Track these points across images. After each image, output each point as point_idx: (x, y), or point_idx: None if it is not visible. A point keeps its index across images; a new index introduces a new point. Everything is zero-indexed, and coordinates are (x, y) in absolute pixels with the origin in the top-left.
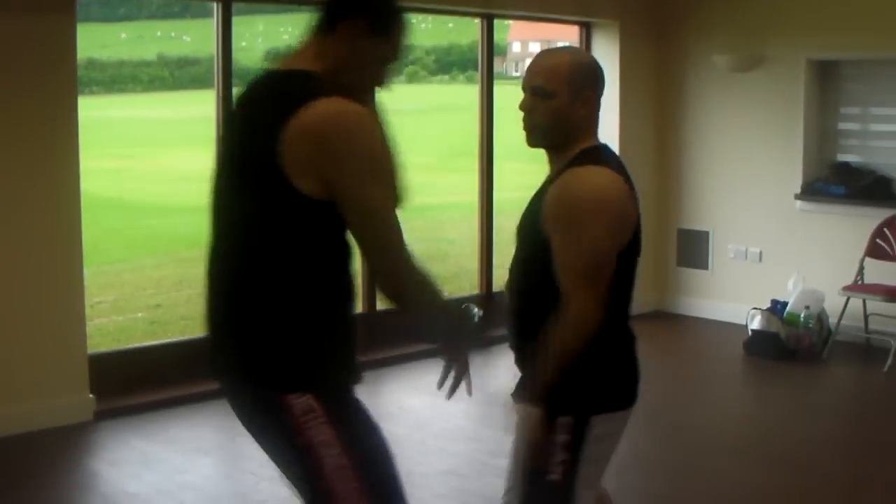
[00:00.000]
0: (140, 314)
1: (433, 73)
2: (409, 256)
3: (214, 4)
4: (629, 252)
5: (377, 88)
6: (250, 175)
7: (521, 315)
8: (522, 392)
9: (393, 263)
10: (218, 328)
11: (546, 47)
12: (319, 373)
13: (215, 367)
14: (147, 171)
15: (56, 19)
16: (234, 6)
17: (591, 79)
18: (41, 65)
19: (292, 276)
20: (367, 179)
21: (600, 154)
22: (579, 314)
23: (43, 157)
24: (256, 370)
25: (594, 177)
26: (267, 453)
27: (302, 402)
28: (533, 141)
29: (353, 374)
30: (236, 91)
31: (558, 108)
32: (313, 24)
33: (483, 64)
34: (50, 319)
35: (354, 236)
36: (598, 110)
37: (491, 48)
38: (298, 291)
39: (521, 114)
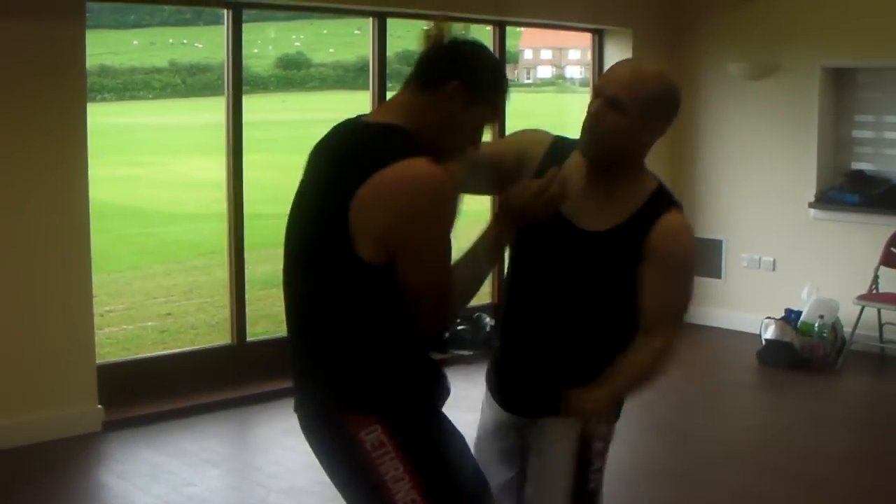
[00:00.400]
0: (150, 323)
1: None
2: (453, 312)
3: (225, 11)
4: None
5: (466, 150)
6: (319, 232)
7: (582, 333)
8: (546, 407)
9: (445, 312)
10: (297, 365)
11: (558, 54)
12: (388, 402)
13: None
14: (158, 178)
15: (66, 25)
16: (245, 13)
17: (670, 110)
18: (51, 70)
19: (353, 331)
20: (430, 247)
21: (673, 196)
22: (671, 353)
23: (52, 163)
24: (327, 400)
25: (690, 231)
26: (339, 489)
27: (373, 437)
28: (589, 150)
29: (433, 397)
30: (246, 97)
31: (627, 127)
32: (410, 77)
33: None
34: (58, 329)
35: (407, 294)
36: (659, 138)
37: (503, 55)
38: (362, 342)
39: (586, 117)
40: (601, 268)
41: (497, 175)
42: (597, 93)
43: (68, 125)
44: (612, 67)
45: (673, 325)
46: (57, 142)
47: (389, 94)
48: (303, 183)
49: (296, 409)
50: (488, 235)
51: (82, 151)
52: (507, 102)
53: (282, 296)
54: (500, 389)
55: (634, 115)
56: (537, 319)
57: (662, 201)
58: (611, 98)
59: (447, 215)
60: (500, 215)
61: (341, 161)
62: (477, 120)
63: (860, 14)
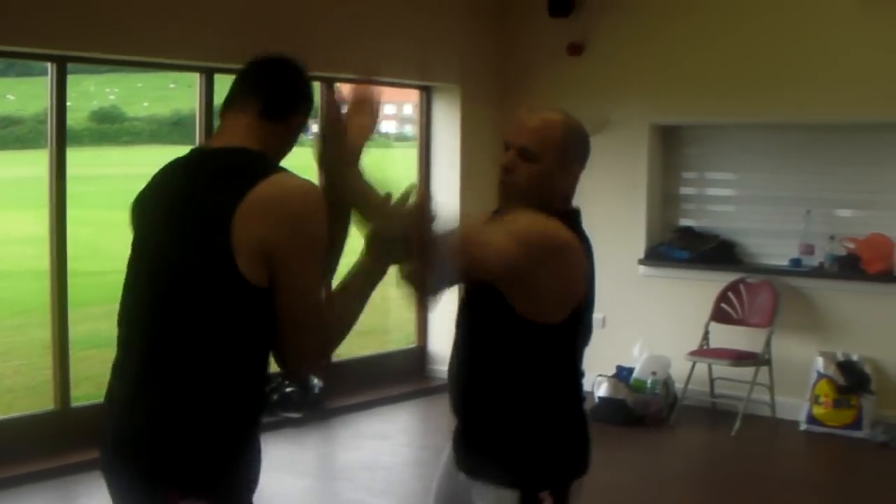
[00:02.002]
0: None
1: None
2: (332, 331)
3: (49, 65)
4: (576, 316)
5: None
6: (197, 259)
7: (479, 383)
8: (478, 468)
9: (322, 345)
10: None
11: (381, 107)
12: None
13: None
14: None
15: None
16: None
17: (582, 152)
18: None
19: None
20: (312, 262)
21: (573, 217)
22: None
23: None
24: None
25: (544, 220)
26: None
27: None
28: (505, 199)
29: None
30: (70, 150)
31: (541, 173)
32: (255, 105)
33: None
34: None
35: (284, 318)
36: (577, 182)
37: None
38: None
39: (499, 170)
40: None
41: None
42: (506, 145)
43: None
44: (517, 117)
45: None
46: None
47: None
48: (146, 227)
49: (109, 470)
50: (361, 270)
51: None
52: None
53: (112, 353)
54: (454, 444)
55: (547, 162)
56: (469, 380)
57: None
58: (521, 148)
59: (325, 231)
60: (372, 248)
61: (208, 185)
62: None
63: (686, 71)
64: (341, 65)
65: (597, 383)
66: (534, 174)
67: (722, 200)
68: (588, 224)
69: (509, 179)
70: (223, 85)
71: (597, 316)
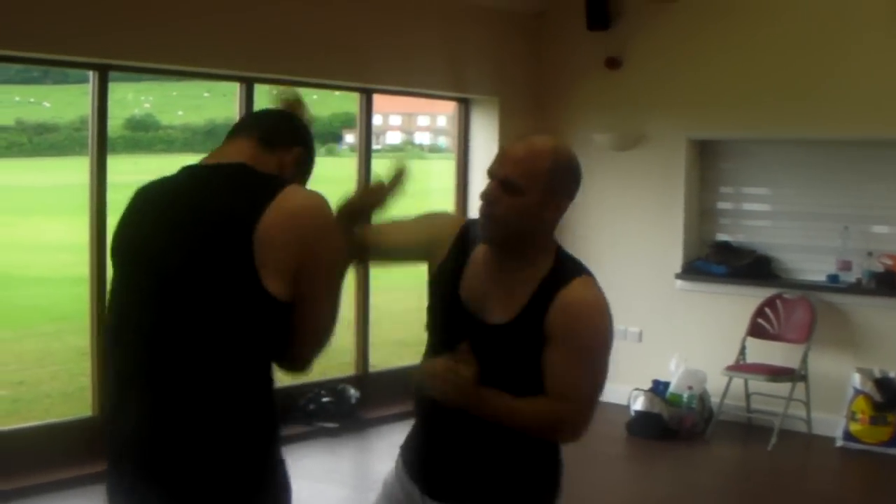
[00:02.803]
0: (2, 392)
1: None
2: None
3: (91, 73)
4: None
5: None
6: (213, 273)
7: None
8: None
9: (321, 347)
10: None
11: (408, 120)
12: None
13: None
14: (2, 239)
15: None
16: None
17: (571, 185)
18: None
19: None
20: (337, 273)
21: (575, 265)
22: (571, 424)
23: None
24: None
25: (596, 303)
26: None
27: None
28: (488, 233)
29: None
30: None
31: (525, 207)
32: (249, 131)
33: (361, 138)
34: None
35: (301, 327)
36: (563, 215)
37: (370, 122)
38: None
39: (481, 200)
40: (505, 362)
41: (400, 257)
42: (490, 174)
43: None
44: (505, 147)
45: (582, 402)
46: None
47: None
48: (144, 233)
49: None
50: None
51: None
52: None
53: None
54: (420, 469)
55: (532, 195)
56: (449, 414)
57: (561, 275)
58: (504, 180)
59: (342, 242)
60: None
61: (221, 197)
62: (301, 178)
63: (724, 86)
64: (380, 77)
65: (633, 397)
66: (517, 208)
67: (758, 215)
68: (625, 238)
69: (490, 212)
70: (262, 94)
71: (633, 330)
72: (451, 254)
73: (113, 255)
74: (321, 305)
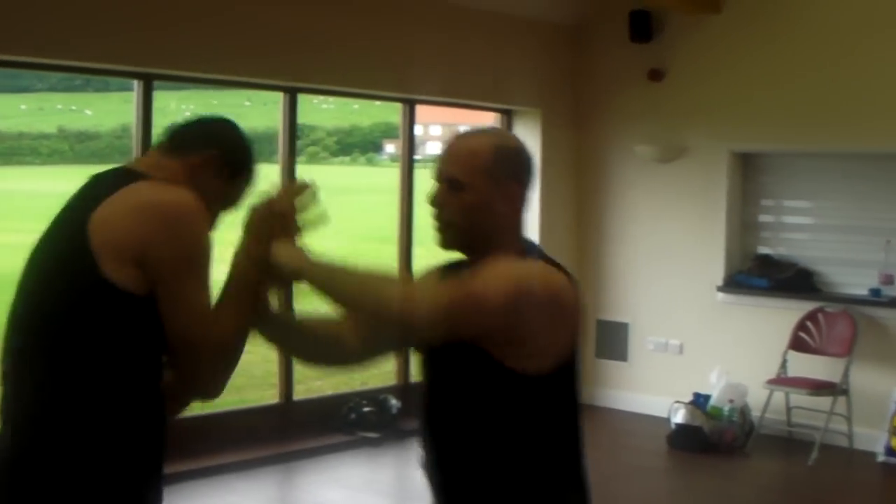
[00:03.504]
0: None
1: (334, 154)
2: (223, 350)
3: (135, 82)
4: (570, 362)
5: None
6: (56, 269)
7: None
8: None
9: (214, 363)
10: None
11: (451, 130)
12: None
13: None
14: None
15: None
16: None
17: (517, 169)
18: None
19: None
20: (189, 270)
21: (542, 253)
22: (413, 298)
23: None
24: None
25: (516, 270)
26: None
27: None
28: (444, 242)
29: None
30: None
31: (473, 203)
32: (162, 142)
33: (404, 148)
34: None
35: (170, 334)
36: (525, 205)
37: (412, 133)
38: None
39: (432, 210)
40: (455, 382)
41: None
42: (435, 179)
43: None
44: (443, 147)
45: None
46: None
47: (298, 168)
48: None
49: None
50: (234, 270)
51: None
52: (251, 187)
53: None
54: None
55: (480, 187)
56: (434, 444)
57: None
58: (448, 179)
59: (204, 241)
60: (243, 240)
61: (73, 200)
62: (229, 193)
63: (767, 98)
64: (424, 87)
65: (673, 409)
66: (467, 205)
67: (800, 228)
68: (667, 251)
69: (442, 217)
70: (306, 104)
71: (674, 342)
72: None
73: None
74: (177, 302)
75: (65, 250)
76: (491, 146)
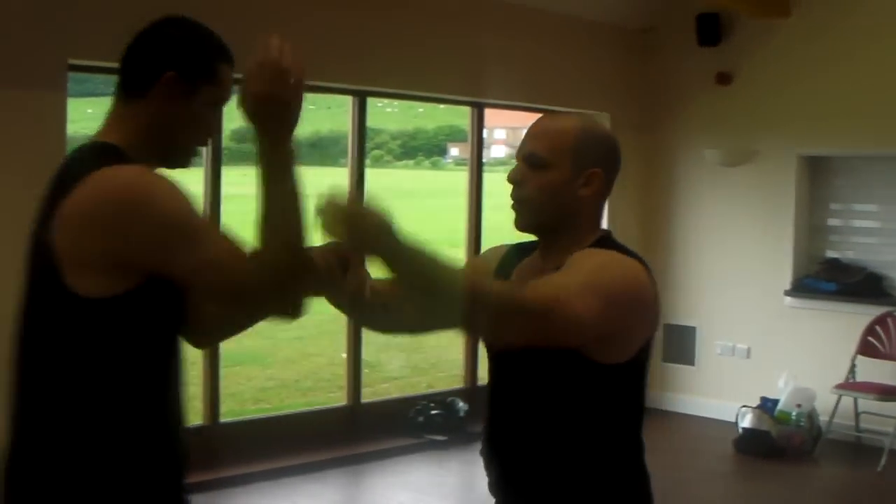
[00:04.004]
0: None
1: (398, 157)
2: (261, 275)
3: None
4: (645, 350)
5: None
6: (29, 272)
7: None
8: None
9: (288, 292)
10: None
11: (512, 134)
12: None
13: None
14: None
15: (47, 94)
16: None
17: (602, 154)
18: (30, 139)
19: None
20: (179, 244)
21: (615, 244)
22: (543, 309)
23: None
24: None
25: (620, 257)
26: None
27: None
28: (521, 220)
29: None
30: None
31: (554, 182)
32: (118, 87)
33: (473, 152)
34: None
35: (201, 292)
36: (607, 195)
37: (481, 136)
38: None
39: (511, 189)
40: (538, 371)
41: None
42: (516, 156)
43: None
44: (529, 127)
45: (570, 289)
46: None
47: (368, 171)
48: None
49: None
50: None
51: None
52: (230, 74)
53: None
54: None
55: (563, 167)
56: (507, 439)
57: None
58: (528, 156)
59: (175, 206)
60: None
61: (43, 197)
62: (206, 108)
63: (836, 102)
64: (492, 91)
65: (741, 414)
66: (547, 183)
67: (869, 232)
68: (735, 254)
69: (519, 195)
70: (371, 108)
71: (742, 346)
72: (497, 273)
73: None
74: (191, 272)
75: (33, 255)
76: (578, 128)
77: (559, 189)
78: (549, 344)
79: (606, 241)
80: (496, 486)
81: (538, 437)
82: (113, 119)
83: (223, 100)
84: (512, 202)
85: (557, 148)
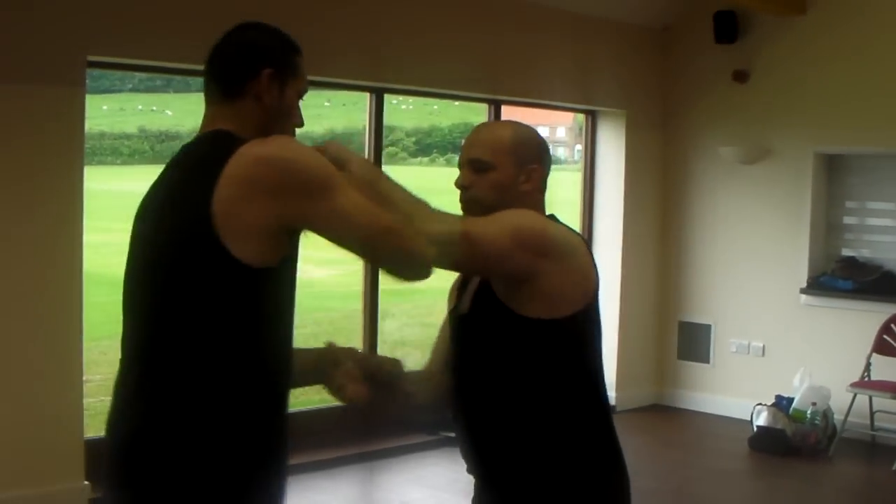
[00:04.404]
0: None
1: (413, 154)
2: (407, 228)
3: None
4: (587, 308)
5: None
6: (175, 253)
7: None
8: None
9: (420, 250)
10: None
11: (536, 131)
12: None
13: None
14: (127, 245)
15: (66, 91)
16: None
17: (537, 151)
18: (50, 136)
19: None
20: (321, 194)
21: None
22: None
23: (47, 228)
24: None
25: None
26: None
27: None
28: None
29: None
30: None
31: (500, 181)
32: (214, 91)
33: None
34: (44, 400)
35: (352, 249)
36: (545, 188)
37: None
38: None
39: (459, 192)
40: (479, 351)
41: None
42: (460, 165)
43: (66, 194)
44: (467, 137)
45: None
46: (53, 210)
47: (384, 168)
48: (135, 234)
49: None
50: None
51: (78, 217)
52: (302, 64)
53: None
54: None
55: (505, 167)
56: (466, 406)
57: None
58: (473, 161)
59: (317, 164)
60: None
61: (179, 178)
62: (294, 99)
63: (852, 100)
64: (509, 88)
65: (756, 412)
66: (493, 183)
67: (885, 230)
68: (750, 252)
69: (469, 196)
70: (388, 105)
71: (757, 344)
72: (456, 290)
73: None
74: (336, 229)
75: (184, 231)
76: (512, 131)
77: (505, 186)
78: (469, 271)
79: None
80: (465, 455)
81: (489, 401)
82: (216, 119)
83: (304, 90)
84: (461, 204)
85: (498, 150)
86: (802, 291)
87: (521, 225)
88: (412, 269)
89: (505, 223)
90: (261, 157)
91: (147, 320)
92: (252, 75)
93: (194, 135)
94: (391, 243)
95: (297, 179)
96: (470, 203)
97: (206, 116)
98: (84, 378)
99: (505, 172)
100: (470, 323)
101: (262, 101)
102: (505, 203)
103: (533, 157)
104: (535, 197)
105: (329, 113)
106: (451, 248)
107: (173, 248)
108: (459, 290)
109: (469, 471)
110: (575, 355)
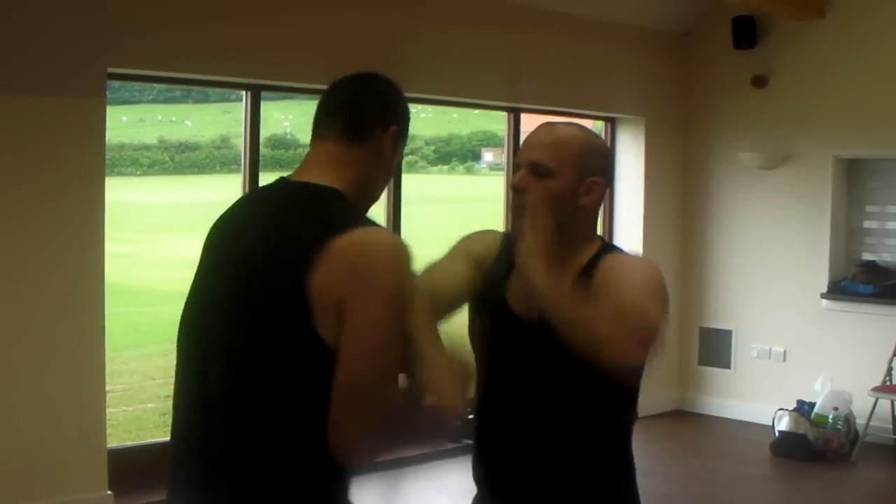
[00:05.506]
0: (150, 404)
1: (432, 163)
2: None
3: (244, 93)
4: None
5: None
6: (266, 304)
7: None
8: None
9: (374, 425)
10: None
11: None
12: None
13: None
14: (147, 256)
15: (87, 102)
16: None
17: (602, 164)
18: (71, 147)
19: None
20: (381, 319)
21: (619, 248)
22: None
23: (69, 239)
24: None
25: (644, 259)
26: None
27: None
28: (522, 227)
29: None
30: (234, 176)
31: (558, 190)
32: (336, 128)
33: (509, 157)
34: (68, 410)
35: (343, 381)
36: (602, 203)
37: (518, 141)
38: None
39: (513, 195)
40: (553, 361)
41: (458, 298)
42: (517, 165)
43: (87, 204)
44: (529, 135)
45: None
46: (75, 221)
47: (403, 177)
48: (217, 261)
49: None
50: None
51: (100, 228)
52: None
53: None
54: None
55: (566, 176)
56: (511, 438)
57: (601, 259)
58: (533, 164)
59: (403, 290)
60: None
61: (293, 224)
62: (400, 159)
63: (871, 104)
64: (529, 96)
65: (777, 417)
66: (550, 191)
67: None
68: (771, 257)
69: (522, 201)
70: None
71: (778, 349)
72: (496, 264)
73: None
74: (360, 351)
75: (281, 294)
76: (580, 138)
77: (563, 197)
78: (641, 357)
79: (613, 246)
80: (485, 479)
81: (541, 415)
82: (333, 160)
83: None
84: (514, 205)
85: (563, 157)
86: (823, 296)
87: (666, 297)
88: (356, 447)
89: (655, 298)
90: (369, 250)
91: (233, 387)
92: (382, 128)
93: (214, 145)
94: (375, 414)
95: (376, 287)
96: (522, 209)
97: (318, 151)
98: (107, 388)
99: (565, 181)
100: (542, 335)
101: (381, 153)
102: (560, 214)
103: (597, 168)
104: (591, 212)
105: None
106: None
107: (265, 315)
108: (520, 293)
109: (477, 479)
110: (635, 400)
